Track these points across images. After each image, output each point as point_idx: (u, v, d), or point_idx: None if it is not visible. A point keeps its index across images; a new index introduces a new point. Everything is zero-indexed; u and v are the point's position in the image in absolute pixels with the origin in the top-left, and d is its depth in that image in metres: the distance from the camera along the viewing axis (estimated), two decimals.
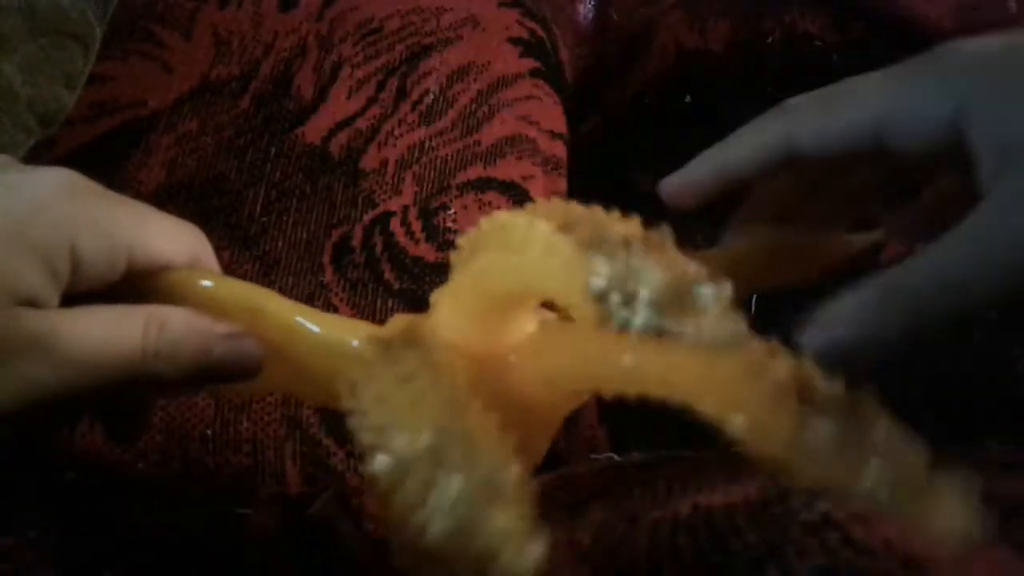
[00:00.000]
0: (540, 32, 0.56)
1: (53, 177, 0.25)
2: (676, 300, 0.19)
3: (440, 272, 0.44)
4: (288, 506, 0.38)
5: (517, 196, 0.49)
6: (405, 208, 0.46)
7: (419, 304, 0.43)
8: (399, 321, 0.25)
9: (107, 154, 0.48)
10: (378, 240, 0.45)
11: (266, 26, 0.52)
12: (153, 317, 0.25)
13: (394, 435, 0.18)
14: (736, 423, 0.18)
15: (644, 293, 0.19)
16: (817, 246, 0.31)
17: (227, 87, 0.50)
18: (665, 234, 0.21)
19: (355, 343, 0.26)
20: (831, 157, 0.25)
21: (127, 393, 0.27)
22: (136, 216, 0.27)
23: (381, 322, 0.28)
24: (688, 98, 0.53)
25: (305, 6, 0.53)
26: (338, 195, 0.46)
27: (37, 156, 0.48)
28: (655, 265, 0.19)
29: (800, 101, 0.28)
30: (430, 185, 0.47)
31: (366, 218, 0.45)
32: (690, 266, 0.20)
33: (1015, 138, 0.21)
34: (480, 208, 0.47)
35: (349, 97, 0.49)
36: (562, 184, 0.54)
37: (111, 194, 0.27)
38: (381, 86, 0.50)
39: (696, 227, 0.49)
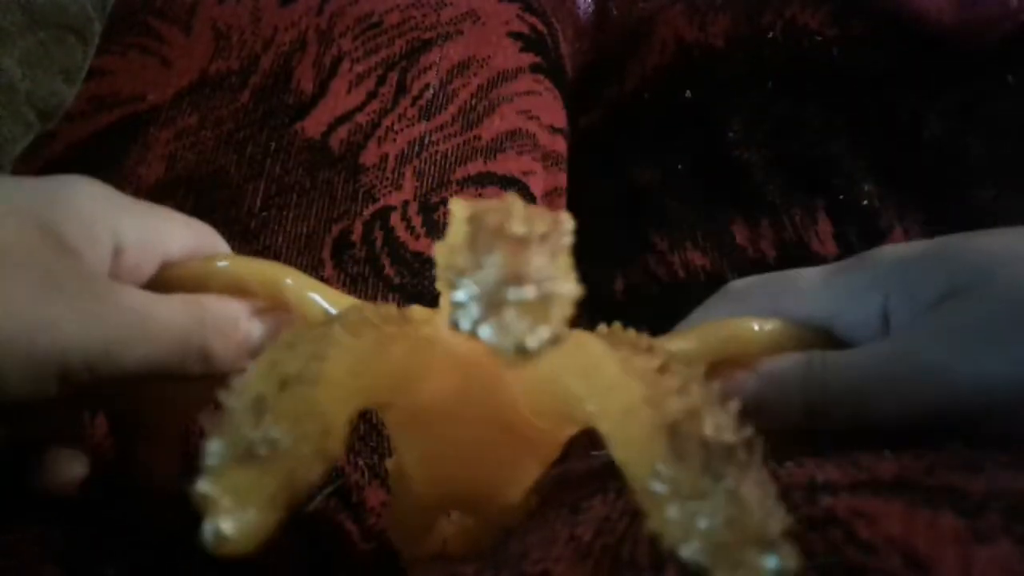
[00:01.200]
0: (540, 27, 0.56)
1: (83, 178, 0.26)
2: None
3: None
4: None
5: (517, 191, 0.49)
6: (405, 203, 0.46)
7: (419, 299, 0.43)
8: (416, 309, 0.25)
9: (106, 149, 0.48)
10: (378, 235, 0.45)
11: (265, 20, 0.52)
12: (191, 300, 0.26)
13: (233, 392, 0.18)
14: (612, 443, 0.18)
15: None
16: None
17: (226, 81, 0.49)
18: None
19: None
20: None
21: (183, 381, 0.27)
22: (161, 213, 0.28)
23: None
24: (688, 93, 0.53)
25: (305, 0, 0.52)
26: (338, 190, 0.46)
27: (36, 151, 0.47)
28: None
29: (744, 287, 0.30)
30: (430, 180, 0.47)
31: (366, 213, 0.45)
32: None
33: (922, 306, 0.25)
34: None
35: (349, 92, 0.49)
36: (562, 179, 0.54)
37: (130, 197, 0.27)
38: (381, 81, 0.50)
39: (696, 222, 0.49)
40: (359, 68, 0.50)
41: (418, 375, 0.23)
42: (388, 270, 0.44)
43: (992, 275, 0.24)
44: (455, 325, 0.16)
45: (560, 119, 0.55)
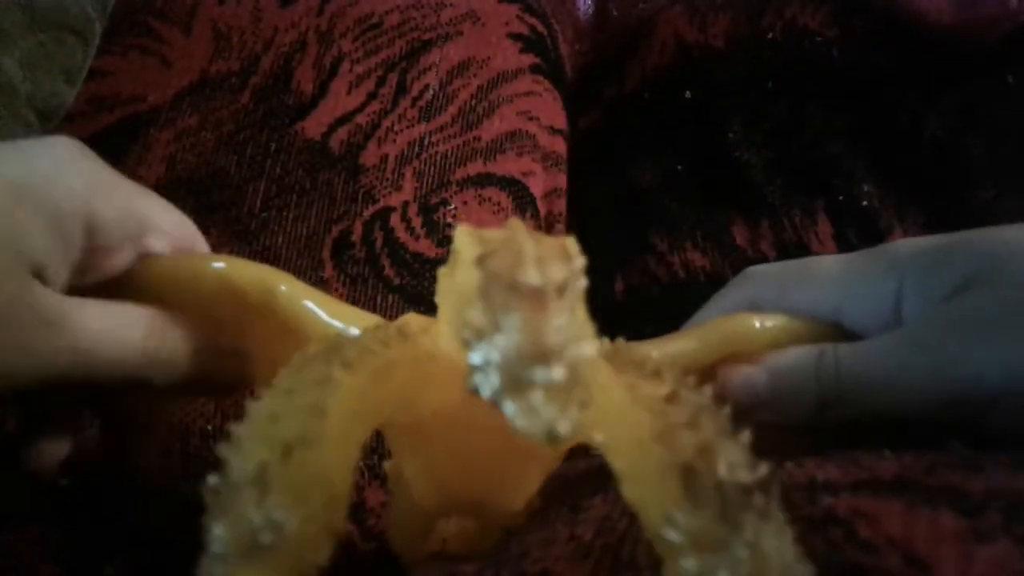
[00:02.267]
0: (540, 28, 0.56)
1: (67, 144, 0.25)
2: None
3: (440, 267, 0.44)
4: None
5: (517, 192, 0.49)
6: (405, 204, 0.46)
7: (419, 299, 0.43)
8: (411, 319, 0.25)
9: (106, 149, 0.47)
10: (378, 235, 0.45)
11: (266, 21, 0.52)
12: (157, 321, 0.26)
13: (234, 451, 0.17)
14: (624, 482, 0.17)
15: None
16: None
17: (227, 82, 0.49)
18: None
19: (356, 334, 0.26)
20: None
21: (120, 393, 0.27)
22: (145, 194, 0.27)
23: (382, 317, 0.28)
24: (688, 93, 0.53)
25: (305, 1, 0.52)
26: (338, 190, 0.46)
27: None
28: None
29: (763, 271, 0.31)
30: (430, 181, 0.47)
31: (366, 213, 0.45)
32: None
33: (937, 297, 0.25)
34: (480, 204, 0.47)
35: (349, 92, 0.49)
36: (562, 180, 0.53)
37: (112, 172, 0.27)
38: (381, 81, 0.50)
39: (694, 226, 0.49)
40: (359, 69, 0.50)
41: (419, 390, 0.23)
42: (388, 271, 0.44)
43: (1007, 264, 0.24)
44: (475, 389, 0.16)
45: (560, 120, 0.55)
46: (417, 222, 0.45)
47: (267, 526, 0.16)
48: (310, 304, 0.27)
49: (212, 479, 0.16)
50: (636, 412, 0.18)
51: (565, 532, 0.23)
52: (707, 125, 0.52)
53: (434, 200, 0.46)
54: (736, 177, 0.49)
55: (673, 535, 0.16)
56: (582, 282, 0.18)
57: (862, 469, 0.21)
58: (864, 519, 0.18)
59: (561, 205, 0.53)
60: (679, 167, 0.51)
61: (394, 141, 0.48)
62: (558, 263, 0.17)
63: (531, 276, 0.17)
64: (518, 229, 0.18)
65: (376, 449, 0.39)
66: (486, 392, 0.16)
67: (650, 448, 0.17)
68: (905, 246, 0.27)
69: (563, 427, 0.15)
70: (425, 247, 0.45)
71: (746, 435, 0.17)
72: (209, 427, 0.38)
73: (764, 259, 0.46)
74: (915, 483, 0.20)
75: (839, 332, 0.28)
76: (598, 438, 0.19)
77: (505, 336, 0.16)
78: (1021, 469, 0.20)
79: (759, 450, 0.27)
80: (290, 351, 0.22)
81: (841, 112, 0.49)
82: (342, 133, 0.48)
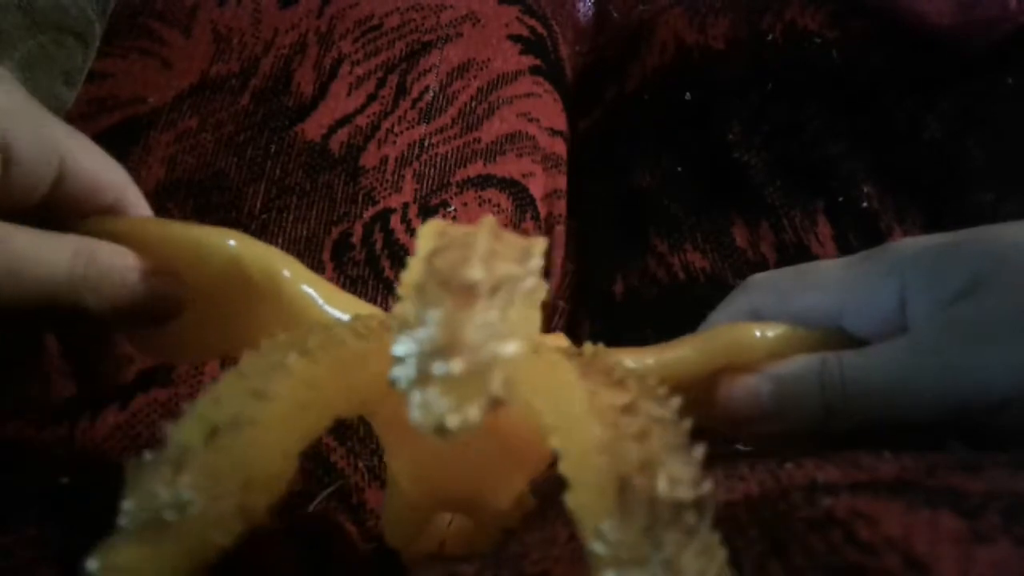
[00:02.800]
0: (540, 29, 0.56)
1: None
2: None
3: None
4: (288, 503, 0.38)
5: (517, 193, 0.49)
6: (405, 205, 0.46)
7: None
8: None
9: (107, 151, 0.48)
10: (378, 237, 0.45)
11: (266, 23, 0.52)
12: (83, 246, 0.26)
13: (174, 429, 0.17)
14: (568, 490, 0.17)
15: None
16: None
17: (227, 84, 0.49)
18: None
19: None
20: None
21: (49, 321, 0.27)
22: (70, 130, 0.27)
23: None
24: (688, 95, 0.53)
25: (305, 3, 0.52)
26: (338, 192, 0.46)
27: None
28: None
29: (763, 279, 0.31)
30: (430, 182, 0.47)
31: (366, 215, 0.45)
32: None
33: (943, 299, 0.25)
34: (480, 205, 0.47)
35: (349, 94, 0.49)
36: (562, 181, 0.54)
37: (29, 101, 0.27)
38: (381, 83, 0.50)
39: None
40: (359, 70, 0.50)
41: None
42: (388, 272, 0.44)
43: (1013, 264, 0.24)
44: (393, 381, 0.15)
45: (560, 121, 0.55)
46: (417, 224, 0.45)
47: (173, 504, 0.16)
48: (308, 290, 0.27)
49: (146, 454, 0.17)
50: (589, 420, 0.18)
51: (565, 533, 0.23)
52: (707, 126, 0.52)
53: (434, 202, 0.46)
54: (736, 178, 0.49)
55: (599, 547, 0.15)
56: (531, 283, 0.17)
57: (862, 470, 0.21)
58: (864, 520, 0.18)
59: (561, 206, 0.53)
60: (679, 168, 0.51)
61: (394, 143, 0.48)
62: (508, 262, 0.17)
63: (471, 273, 0.16)
64: (485, 226, 0.18)
65: (376, 451, 0.39)
66: (402, 384, 0.15)
67: (595, 458, 0.17)
68: (907, 246, 0.27)
69: (452, 422, 0.15)
70: None
71: (699, 451, 0.17)
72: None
73: (764, 260, 0.46)
74: (915, 484, 0.20)
75: (841, 338, 0.28)
76: (554, 443, 0.18)
77: (425, 330, 0.16)
78: (1021, 469, 0.20)
79: (761, 451, 0.27)
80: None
81: (841, 114, 0.49)
82: (342, 135, 0.48)
